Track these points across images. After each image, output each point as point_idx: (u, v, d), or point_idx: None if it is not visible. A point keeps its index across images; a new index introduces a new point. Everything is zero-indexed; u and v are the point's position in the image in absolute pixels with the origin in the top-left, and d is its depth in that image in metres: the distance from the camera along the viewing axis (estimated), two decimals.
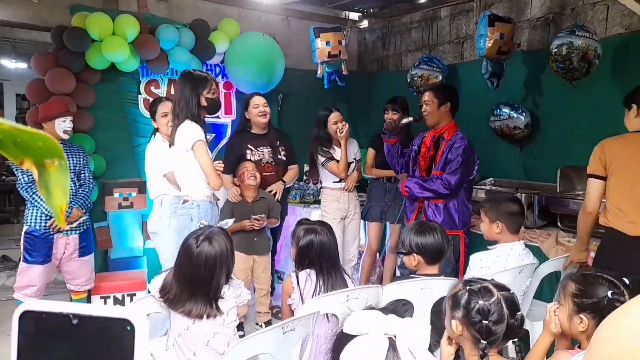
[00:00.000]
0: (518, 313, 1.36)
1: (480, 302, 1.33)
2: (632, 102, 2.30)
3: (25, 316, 0.34)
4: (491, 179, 3.89)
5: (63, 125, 2.99)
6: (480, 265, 2.28)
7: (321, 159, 3.49)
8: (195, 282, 1.75)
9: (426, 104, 2.96)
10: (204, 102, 2.71)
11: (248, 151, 3.39)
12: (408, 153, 3.13)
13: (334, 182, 3.55)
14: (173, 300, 1.75)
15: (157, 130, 3.10)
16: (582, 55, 2.99)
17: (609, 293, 1.43)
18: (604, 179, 2.29)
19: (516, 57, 3.71)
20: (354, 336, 0.93)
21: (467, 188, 2.96)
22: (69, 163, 3.05)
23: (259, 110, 3.36)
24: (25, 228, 2.99)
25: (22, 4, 3.82)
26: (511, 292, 1.41)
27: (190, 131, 2.61)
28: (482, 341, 1.32)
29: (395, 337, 0.91)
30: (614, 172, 2.26)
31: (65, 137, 3.02)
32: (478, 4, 4.06)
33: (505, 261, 2.26)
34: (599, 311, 1.44)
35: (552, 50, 3.11)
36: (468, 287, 1.38)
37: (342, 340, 0.94)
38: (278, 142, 3.48)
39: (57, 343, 0.33)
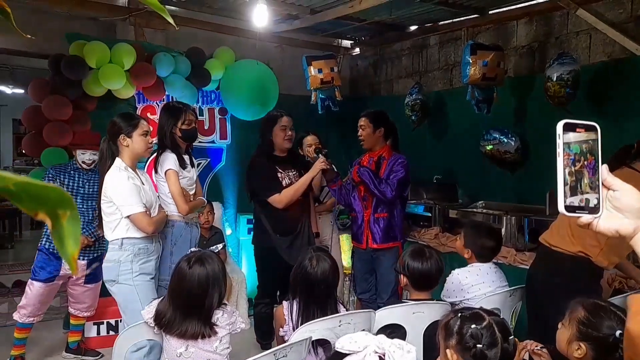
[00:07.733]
0: (510, 337, 1.37)
1: (473, 326, 1.34)
2: None
3: None
4: (482, 202, 3.94)
5: (82, 156, 3.15)
6: (463, 281, 2.35)
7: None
8: (189, 303, 1.79)
9: (362, 128, 3.17)
10: (178, 133, 2.79)
11: (279, 174, 3.13)
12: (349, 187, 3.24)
13: None
14: (168, 325, 1.77)
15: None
16: (576, 81, 3.13)
17: (617, 333, 1.37)
18: None
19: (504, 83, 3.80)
20: (344, 356, 0.96)
21: (403, 205, 3.23)
22: (90, 190, 3.16)
23: (285, 134, 3.12)
24: (40, 244, 3.06)
25: (18, 32, 3.88)
26: (502, 317, 1.44)
27: (163, 160, 2.74)
28: None
29: (384, 355, 0.94)
30: None
31: (85, 166, 3.15)
32: (465, 32, 4.18)
33: (486, 274, 2.37)
34: (602, 346, 1.40)
35: (563, 77, 3.13)
36: (460, 314, 1.40)
37: None
38: (300, 166, 3.25)
39: None
